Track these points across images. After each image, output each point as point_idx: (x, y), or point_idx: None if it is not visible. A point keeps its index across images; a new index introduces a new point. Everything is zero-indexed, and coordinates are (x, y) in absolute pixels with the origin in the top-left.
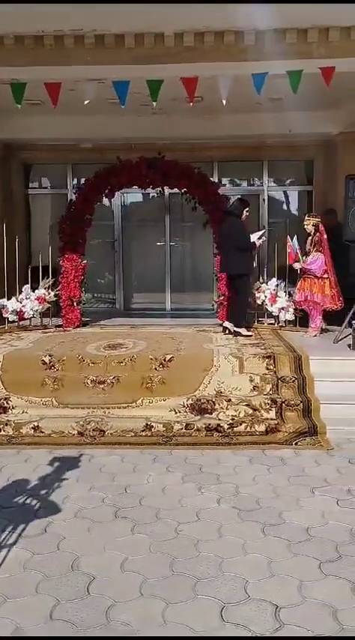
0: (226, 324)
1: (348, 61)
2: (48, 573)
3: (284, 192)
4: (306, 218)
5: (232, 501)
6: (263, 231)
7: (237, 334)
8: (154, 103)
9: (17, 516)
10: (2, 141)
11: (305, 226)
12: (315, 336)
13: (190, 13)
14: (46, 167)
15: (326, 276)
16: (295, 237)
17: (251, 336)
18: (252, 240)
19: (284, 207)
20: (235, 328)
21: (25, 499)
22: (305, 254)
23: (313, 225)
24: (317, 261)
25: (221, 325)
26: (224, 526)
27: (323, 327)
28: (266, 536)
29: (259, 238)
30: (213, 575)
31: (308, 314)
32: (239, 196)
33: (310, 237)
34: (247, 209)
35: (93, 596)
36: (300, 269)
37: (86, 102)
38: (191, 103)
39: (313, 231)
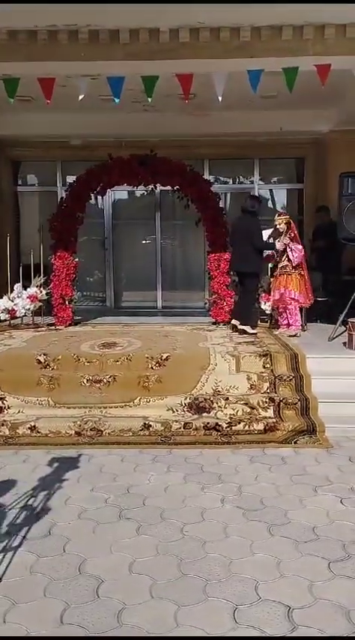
0: (234, 321)
1: (344, 59)
2: (55, 576)
3: (272, 191)
4: (277, 217)
5: (236, 501)
6: (271, 230)
7: (243, 332)
8: (149, 99)
9: (20, 518)
10: None
11: (278, 225)
12: (296, 335)
13: (185, 8)
14: (35, 164)
15: (300, 271)
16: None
17: (256, 334)
18: (265, 240)
19: (275, 205)
20: (241, 325)
21: (27, 500)
22: (282, 252)
23: (285, 224)
24: (299, 248)
25: (214, 323)
26: (230, 526)
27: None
28: (272, 536)
29: (269, 237)
30: (222, 576)
31: (278, 313)
32: (252, 193)
33: (283, 236)
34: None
35: (103, 600)
36: (275, 265)
37: (80, 97)
38: (186, 101)
39: (285, 229)
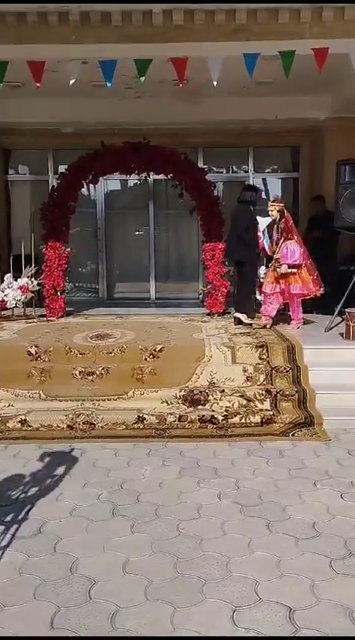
0: (236, 314)
1: (342, 42)
2: (46, 577)
3: (266, 180)
4: (270, 204)
5: (233, 496)
6: (271, 218)
7: (238, 321)
8: (142, 79)
9: (9, 515)
10: None
11: (270, 212)
12: (298, 328)
13: None
14: (26, 153)
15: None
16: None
17: (251, 324)
18: (261, 229)
19: (269, 195)
20: (236, 314)
21: (17, 496)
22: (276, 243)
23: (278, 212)
24: (294, 252)
25: (209, 314)
26: (227, 523)
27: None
28: (271, 532)
29: (268, 226)
30: (220, 575)
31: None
32: (248, 183)
33: (276, 225)
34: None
35: (96, 602)
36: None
37: (71, 82)
38: (181, 85)
39: (278, 217)
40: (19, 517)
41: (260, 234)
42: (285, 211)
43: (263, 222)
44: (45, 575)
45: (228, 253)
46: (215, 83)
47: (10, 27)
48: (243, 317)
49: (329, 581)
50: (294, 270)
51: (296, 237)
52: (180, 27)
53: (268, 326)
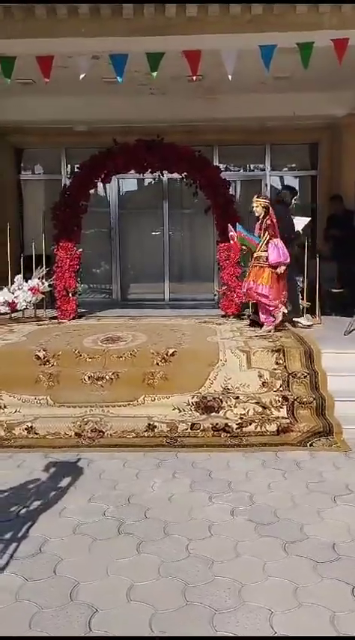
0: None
1: None
2: (43, 604)
3: (283, 178)
4: (255, 199)
5: (247, 513)
6: (309, 219)
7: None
8: (154, 74)
9: (9, 533)
10: None
11: (254, 208)
12: (270, 331)
13: None
14: (38, 152)
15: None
16: (237, 224)
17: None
18: (296, 229)
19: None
20: (294, 319)
21: (18, 511)
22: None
23: (263, 208)
24: (283, 250)
25: (224, 316)
26: (240, 543)
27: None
28: (288, 555)
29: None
30: (232, 605)
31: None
32: (286, 184)
33: (259, 222)
34: (295, 197)
35: (97, 634)
36: (253, 256)
37: (81, 76)
38: (194, 78)
39: (263, 214)
40: (19, 534)
41: (233, 233)
42: (270, 208)
43: (300, 222)
44: (43, 601)
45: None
46: (230, 77)
47: (18, 21)
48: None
49: (351, 613)
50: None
51: (277, 234)
52: (193, 19)
53: (273, 331)
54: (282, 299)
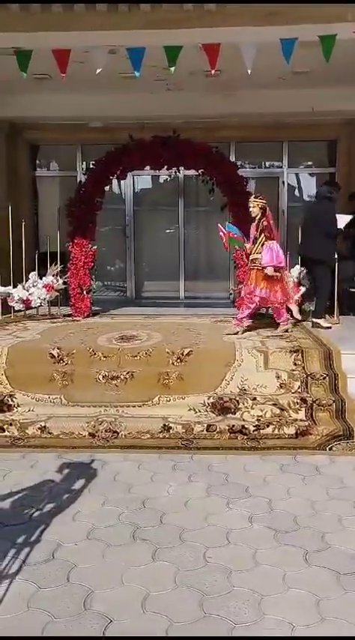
0: (314, 319)
1: None
2: (56, 613)
3: (299, 175)
4: (252, 199)
5: (266, 519)
6: (351, 216)
7: (316, 325)
8: (172, 69)
9: (21, 537)
10: (8, 119)
11: (251, 209)
12: (286, 330)
13: None
14: (54, 148)
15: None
16: (227, 223)
17: (330, 327)
18: (339, 227)
19: (305, 190)
20: (313, 319)
21: (31, 514)
22: (253, 241)
23: (260, 208)
24: (278, 253)
25: None
26: (259, 552)
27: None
28: (309, 565)
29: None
30: (251, 618)
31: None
32: (329, 179)
33: (255, 222)
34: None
35: None
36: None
37: (98, 71)
38: (213, 72)
39: (259, 215)
40: (32, 539)
41: (225, 232)
42: (267, 208)
43: (342, 219)
44: (55, 610)
45: (309, 251)
46: (249, 71)
47: (34, 14)
48: (321, 322)
49: None
50: (278, 274)
51: (275, 237)
52: (212, 12)
53: (240, 332)
54: (292, 298)
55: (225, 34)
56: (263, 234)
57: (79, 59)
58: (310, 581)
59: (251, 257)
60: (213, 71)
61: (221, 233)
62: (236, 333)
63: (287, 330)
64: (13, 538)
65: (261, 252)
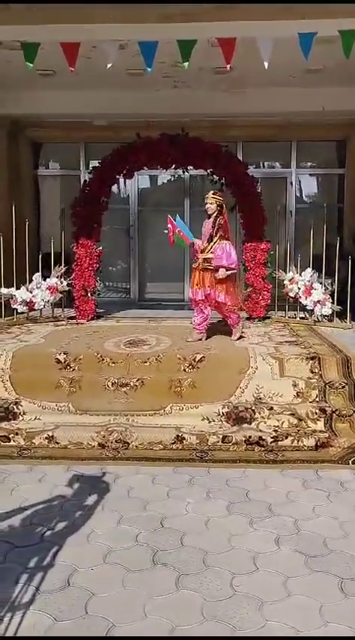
0: None
1: None
2: None
3: (306, 176)
4: (211, 195)
5: (293, 542)
6: None
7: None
8: (186, 64)
9: (33, 559)
10: (10, 116)
11: (208, 205)
12: (239, 338)
13: None
14: (57, 146)
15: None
16: (178, 217)
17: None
18: None
19: (313, 191)
20: None
21: (43, 533)
22: (208, 240)
23: (218, 206)
24: (230, 253)
25: (248, 318)
26: (290, 580)
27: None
28: (346, 596)
29: None
30: None
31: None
32: None
33: (211, 220)
34: None
35: None
36: (200, 258)
37: (108, 65)
38: (228, 67)
39: (217, 212)
40: (45, 562)
41: (173, 227)
42: (224, 206)
43: None
44: None
45: None
46: (266, 65)
47: (42, 6)
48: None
49: None
50: (228, 273)
51: (229, 237)
52: (227, 4)
53: (203, 339)
54: (239, 304)
55: (241, 27)
56: (219, 233)
57: (86, 55)
58: (349, 615)
59: (203, 256)
60: (228, 66)
61: (169, 225)
62: (199, 340)
63: (241, 337)
64: (24, 562)
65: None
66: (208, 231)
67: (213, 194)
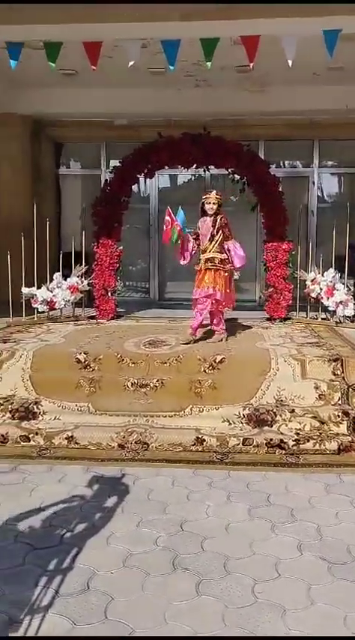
0: None
1: None
2: None
3: (331, 175)
4: (214, 195)
5: (316, 548)
6: None
7: None
8: (208, 64)
9: (53, 562)
10: (32, 116)
11: (211, 205)
12: (222, 340)
13: None
14: (78, 145)
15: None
16: (181, 210)
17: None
18: None
19: (336, 190)
20: None
21: (62, 535)
22: (210, 239)
23: (218, 205)
24: (243, 250)
25: (268, 319)
26: (314, 587)
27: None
28: None
29: None
30: None
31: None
32: None
33: (211, 219)
34: None
35: None
36: (203, 258)
37: (131, 63)
38: (251, 65)
39: (216, 211)
40: (64, 565)
41: (171, 221)
42: (221, 206)
43: None
44: None
45: None
46: (290, 63)
47: (64, 6)
48: None
49: None
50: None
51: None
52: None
53: (192, 342)
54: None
55: (265, 25)
56: (220, 232)
57: (108, 54)
58: None
59: (206, 256)
60: (251, 65)
61: (167, 218)
62: (188, 343)
63: (222, 340)
64: (43, 564)
65: (219, 252)
66: (209, 231)
67: (216, 193)
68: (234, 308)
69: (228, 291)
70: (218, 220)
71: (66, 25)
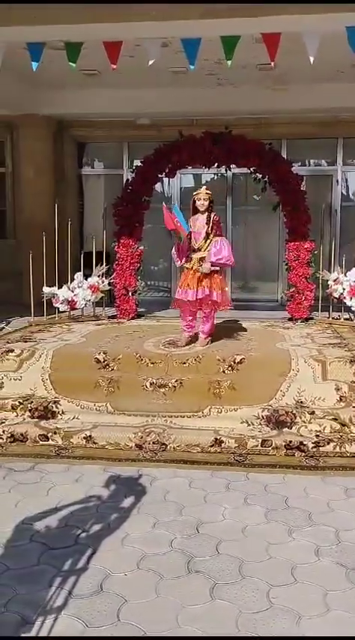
0: None
1: None
2: None
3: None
4: (205, 191)
5: (334, 553)
6: None
7: None
8: (229, 62)
9: (67, 562)
10: (55, 116)
11: (202, 202)
12: (208, 343)
13: None
14: (100, 146)
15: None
16: (175, 206)
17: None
18: None
19: (348, 191)
20: None
21: (78, 535)
22: (205, 237)
23: (210, 202)
24: (228, 247)
25: (290, 319)
26: (330, 593)
27: None
28: None
29: None
30: None
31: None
32: None
33: (204, 216)
34: None
35: None
36: (195, 258)
37: (150, 62)
38: (272, 63)
39: (207, 207)
40: (79, 566)
41: (175, 215)
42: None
43: None
44: None
45: None
46: (312, 60)
47: (85, 6)
48: None
49: None
50: (215, 268)
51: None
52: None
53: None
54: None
55: (287, 22)
56: (214, 230)
57: (129, 54)
58: None
59: (199, 255)
60: (272, 63)
61: (165, 213)
62: (207, 344)
63: (208, 343)
64: (58, 564)
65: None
66: (202, 229)
67: (206, 190)
68: (232, 307)
69: (225, 290)
70: (212, 217)
71: (86, 24)
